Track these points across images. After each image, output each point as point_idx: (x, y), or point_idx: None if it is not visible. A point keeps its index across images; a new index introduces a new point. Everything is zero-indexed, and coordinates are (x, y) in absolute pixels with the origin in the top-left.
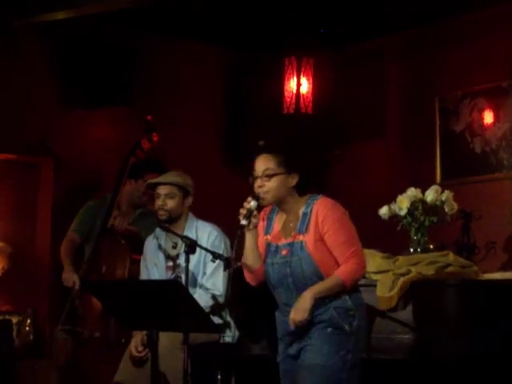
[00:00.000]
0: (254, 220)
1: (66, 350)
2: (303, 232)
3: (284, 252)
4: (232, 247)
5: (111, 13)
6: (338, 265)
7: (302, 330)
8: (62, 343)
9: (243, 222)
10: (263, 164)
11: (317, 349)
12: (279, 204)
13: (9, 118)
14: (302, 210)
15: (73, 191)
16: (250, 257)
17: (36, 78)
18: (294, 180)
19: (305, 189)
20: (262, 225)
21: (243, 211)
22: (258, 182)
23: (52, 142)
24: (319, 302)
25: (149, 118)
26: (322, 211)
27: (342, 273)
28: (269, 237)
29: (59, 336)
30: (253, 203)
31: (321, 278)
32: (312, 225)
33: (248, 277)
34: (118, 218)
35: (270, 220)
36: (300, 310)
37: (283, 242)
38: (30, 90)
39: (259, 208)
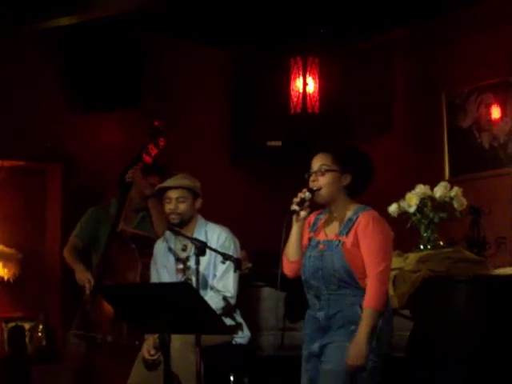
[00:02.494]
0: (303, 212)
1: (80, 355)
2: (343, 235)
3: (321, 247)
4: (283, 230)
5: (117, 17)
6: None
7: (329, 328)
8: (74, 348)
9: (295, 207)
10: (319, 160)
11: (339, 345)
12: (330, 202)
13: (16, 124)
14: (348, 216)
15: (82, 195)
16: (291, 247)
17: (43, 83)
18: (346, 180)
19: (356, 192)
20: (308, 223)
21: (297, 199)
22: (312, 177)
23: (60, 146)
24: (345, 299)
25: (156, 123)
26: (367, 219)
27: (371, 303)
28: (312, 233)
29: (72, 341)
30: (307, 194)
31: (350, 274)
32: (353, 229)
33: (286, 267)
34: (123, 222)
35: (317, 220)
36: (358, 356)
37: (324, 238)
38: (37, 95)
39: (311, 205)
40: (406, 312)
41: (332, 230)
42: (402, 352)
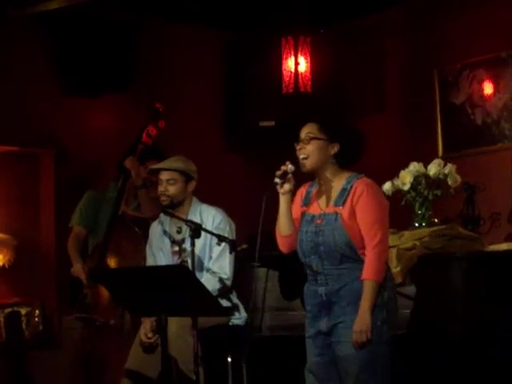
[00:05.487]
0: (287, 184)
1: (81, 339)
2: (340, 205)
3: (318, 221)
4: (263, 204)
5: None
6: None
7: (334, 303)
8: (76, 331)
9: (276, 180)
10: (306, 129)
11: (351, 324)
12: (318, 172)
13: (8, 109)
14: (342, 185)
15: (75, 181)
16: (281, 222)
17: (35, 67)
18: (333, 149)
19: (345, 161)
20: (300, 196)
21: (279, 172)
22: (299, 145)
23: (53, 132)
24: (348, 274)
25: (158, 105)
26: (362, 187)
27: (371, 275)
28: (305, 207)
29: (73, 325)
30: (290, 166)
31: (351, 247)
32: (349, 199)
33: (280, 242)
34: (125, 205)
35: (308, 193)
36: (363, 332)
37: (318, 212)
38: (28, 80)
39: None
40: (402, 290)
41: (325, 202)
42: (397, 329)
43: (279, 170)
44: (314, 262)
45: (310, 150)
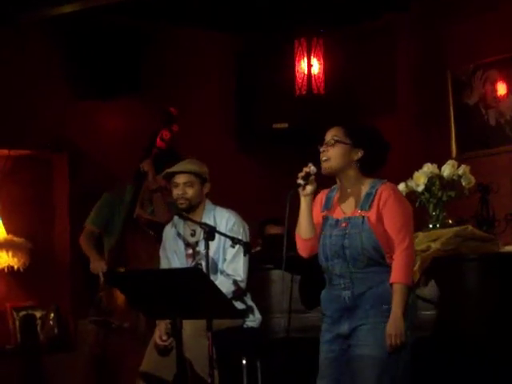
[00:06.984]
0: (309, 186)
1: (96, 342)
2: (366, 209)
3: (343, 225)
4: (286, 204)
5: (118, 3)
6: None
7: (357, 307)
8: (91, 334)
9: (299, 181)
10: (332, 132)
11: (374, 327)
12: (340, 176)
13: (21, 112)
14: (366, 190)
15: (89, 184)
16: (302, 225)
17: (47, 71)
18: (357, 155)
19: (368, 168)
20: (320, 202)
21: (301, 173)
22: (322, 148)
23: (65, 135)
24: (373, 277)
25: (172, 109)
26: (389, 191)
27: (402, 278)
28: (327, 212)
29: (88, 328)
30: (312, 168)
31: (378, 251)
32: (375, 203)
33: (300, 246)
34: (139, 208)
35: (329, 198)
36: (398, 335)
37: (343, 216)
38: (41, 84)
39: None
40: (417, 291)
41: (349, 206)
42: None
43: (301, 171)
44: (338, 265)
45: (332, 153)
